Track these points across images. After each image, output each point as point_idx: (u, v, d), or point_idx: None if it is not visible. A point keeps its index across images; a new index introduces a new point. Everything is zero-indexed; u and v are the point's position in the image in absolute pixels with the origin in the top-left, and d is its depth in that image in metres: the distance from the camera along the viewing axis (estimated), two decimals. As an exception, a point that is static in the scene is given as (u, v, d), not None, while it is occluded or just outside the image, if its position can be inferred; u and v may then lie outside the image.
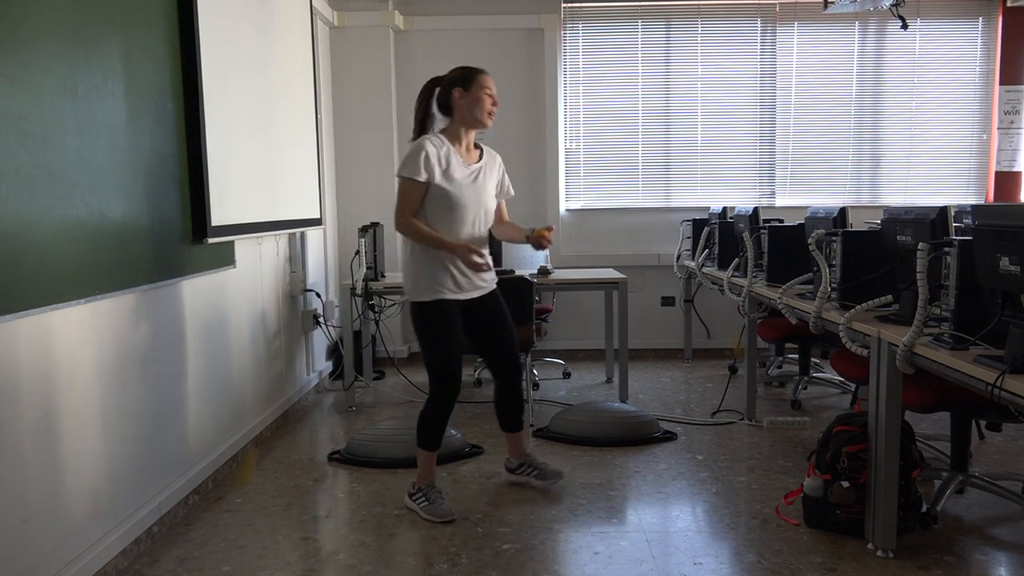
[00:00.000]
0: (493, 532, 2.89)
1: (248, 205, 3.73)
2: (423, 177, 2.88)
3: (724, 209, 5.09)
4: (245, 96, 3.73)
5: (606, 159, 6.02)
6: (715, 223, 4.96)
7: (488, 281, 3.12)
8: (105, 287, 2.57)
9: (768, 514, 3.00)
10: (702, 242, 5.12)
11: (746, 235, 4.14)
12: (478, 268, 2.90)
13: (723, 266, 4.71)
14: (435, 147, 2.93)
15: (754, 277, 3.94)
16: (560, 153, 5.96)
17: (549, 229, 3.06)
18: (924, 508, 2.82)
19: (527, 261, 5.58)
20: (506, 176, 3.21)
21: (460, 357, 3.03)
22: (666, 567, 2.60)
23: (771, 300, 3.58)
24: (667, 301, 6.10)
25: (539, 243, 3.04)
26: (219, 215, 3.37)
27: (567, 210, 6.05)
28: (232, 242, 3.65)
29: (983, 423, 3.74)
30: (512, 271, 4.69)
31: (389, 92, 5.74)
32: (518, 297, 4.19)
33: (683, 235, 5.73)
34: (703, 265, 5.08)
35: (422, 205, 2.94)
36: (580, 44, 5.94)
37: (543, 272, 4.72)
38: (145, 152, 2.85)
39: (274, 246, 4.38)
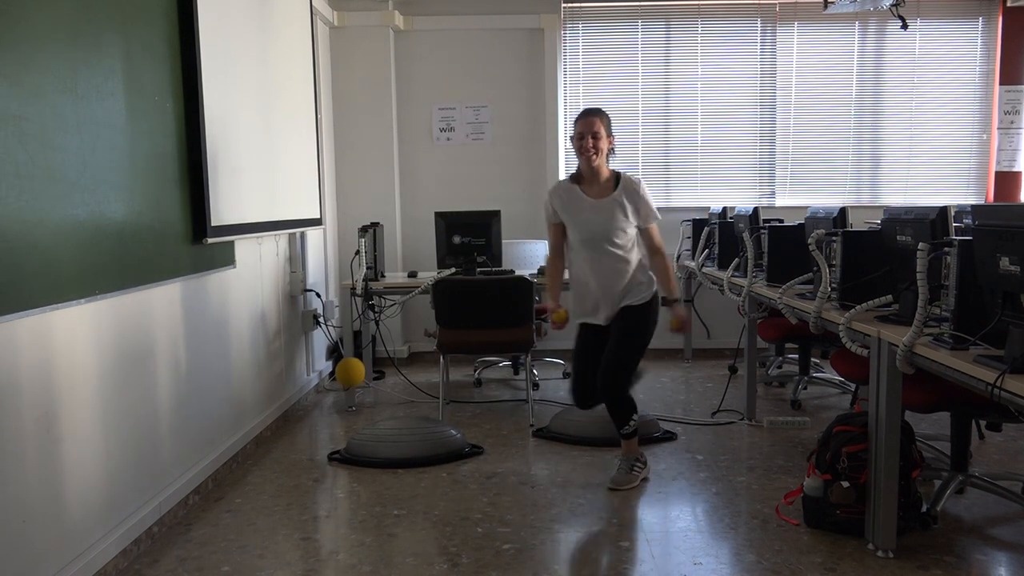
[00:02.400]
0: (493, 532, 2.89)
1: (248, 205, 3.73)
2: (547, 217, 3.40)
3: (724, 209, 5.09)
4: (245, 96, 3.73)
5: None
6: (715, 223, 4.96)
7: (603, 316, 3.33)
8: (105, 287, 2.57)
9: (768, 514, 3.00)
10: (702, 242, 5.11)
11: (746, 235, 4.13)
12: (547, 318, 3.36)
13: (723, 266, 4.71)
14: (554, 195, 3.35)
15: (754, 277, 3.94)
16: (560, 153, 5.95)
17: (679, 322, 3.32)
18: (924, 508, 2.82)
19: (527, 261, 5.58)
20: (644, 205, 3.27)
21: (584, 369, 3.35)
22: (666, 567, 2.60)
23: (771, 300, 3.58)
24: (667, 301, 6.09)
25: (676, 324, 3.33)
26: (219, 215, 3.37)
27: (567, 210, 6.04)
28: (232, 242, 3.65)
29: (983, 423, 3.74)
30: (512, 271, 4.70)
31: (389, 92, 5.74)
32: (518, 297, 4.19)
33: (683, 235, 5.73)
34: (703, 265, 5.08)
35: (568, 237, 3.35)
36: (580, 44, 5.94)
37: (543, 272, 4.72)
38: (145, 152, 2.85)
39: (274, 246, 4.38)
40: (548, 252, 3.46)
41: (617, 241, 3.25)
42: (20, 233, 2.14)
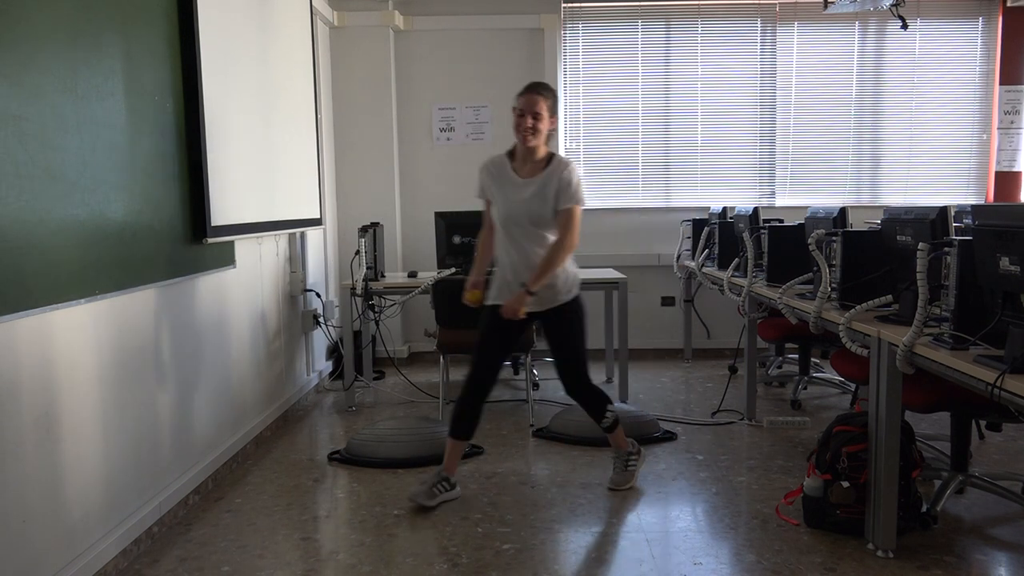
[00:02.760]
0: (493, 532, 2.89)
1: (248, 205, 3.73)
2: (479, 194, 3.22)
3: (724, 209, 5.09)
4: (245, 96, 3.73)
5: (606, 159, 6.02)
6: (715, 223, 4.96)
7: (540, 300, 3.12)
8: (105, 287, 2.57)
9: (768, 514, 3.00)
10: (702, 242, 5.12)
11: (746, 235, 4.13)
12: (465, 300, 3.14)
13: (723, 266, 4.71)
14: (486, 169, 3.18)
15: (754, 277, 3.94)
16: (560, 153, 5.94)
17: (509, 307, 3.08)
18: (924, 508, 2.82)
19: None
20: (563, 189, 3.03)
21: (484, 354, 3.18)
22: (666, 567, 2.60)
23: (771, 300, 3.58)
24: (667, 301, 6.10)
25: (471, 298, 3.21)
26: (219, 215, 3.37)
27: (567, 210, 6.04)
28: (232, 242, 3.65)
29: (983, 423, 3.74)
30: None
31: (389, 92, 5.74)
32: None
33: (683, 235, 5.73)
34: (703, 265, 5.08)
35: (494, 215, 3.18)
36: (580, 44, 5.94)
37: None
38: (145, 152, 2.85)
39: (274, 246, 4.38)
40: (480, 231, 3.29)
41: (537, 225, 3.06)
42: (20, 233, 2.14)
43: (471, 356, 3.19)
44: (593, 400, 3.26)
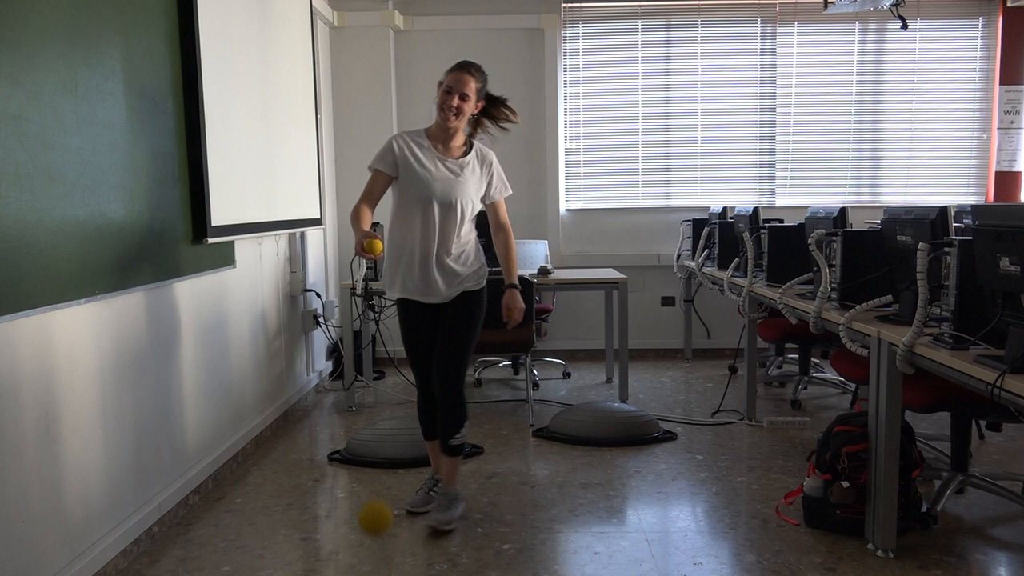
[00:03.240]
0: (493, 532, 2.89)
1: (248, 205, 3.73)
2: (384, 168, 2.89)
3: (724, 209, 5.09)
4: (245, 96, 3.73)
5: (606, 159, 6.02)
6: (715, 223, 4.96)
7: (442, 292, 2.93)
8: (105, 287, 2.57)
9: (768, 514, 3.00)
10: (702, 242, 5.12)
11: (746, 235, 4.13)
12: (359, 252, 2.65)
13: (723, 266, 4.71)
14: (403, 140, 2.91)
15: (754, 277, 3.94)
16: (560, 153, 5.95)
17: (514, 310, 3.01)
18: (924, 508, 2.82)
19: (527, 261, 5.58)
20: (496, 178, 3.01)
21: (427, 359, 3.00)
22: (666, 567, 2.60)
23: (771, 300, 3.58)
24: (667, 301, 6.10)
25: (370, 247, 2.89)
26: (219, 215, 3.37)
27: (567, 210, 6.05)
28: (232, 242, 3.65)
29: (983, 423, 3.74)
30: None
31: (389, 92, 5.74)
32: (518, 297, 4.19)
33: (683, 235, 5.73)
34: (703, 265, 5.08)
35: (395, 198, 2.94)
36: (580, 44, 5.94)
37: (543, 272, 4.72)
38: (145, 152, 2.85)
39: (274, 246, 4.38)
40: (360, 202, 2.87)
41: (464, 210, 2.90)
42: (20, 233, 2.14)
43: (410, 362, 3.03)
44: (459, 409, 2.93)
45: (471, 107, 2.87)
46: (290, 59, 4.42)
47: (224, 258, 3.57)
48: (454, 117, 2.84)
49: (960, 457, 3.04)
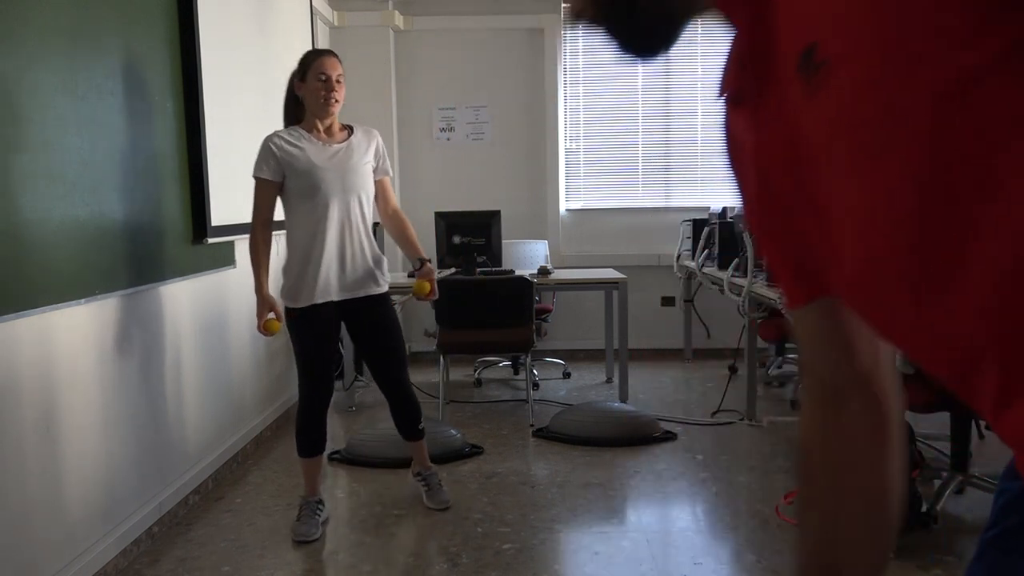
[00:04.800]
0: (493, 532, 2.89)
1: (248, 205, 3.72)
2: (267, 174, 2.74)
3: (724, 209, 5.09)
4: (245, 96, 3.73)
5: (606, 159, 6.02)
6: (715, 223, 4.96)
7: (355, 282, 2.86)
8: (105, 287, 2.57)
9: (768, 514, 3.00)
10: (702, 242, 5.11)
11: (746, 235, 4.13)
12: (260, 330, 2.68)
13: (723, 266, 4.71)
14: (281, 139, 2.77)
15: (754, 277, 3.94)
16: (560, 153, 5.95)
17: (430, 285, 2.93)
18: (924, 508, 2.82)
19: (527, 261, 5.59)
20: (385, 156, 2.95)
21: (327, 362, 2.93)
22: (666, 567, 2.60)
23: (771, 300, 3.58)
24: (667, 301, 6.10)
25: (418, 289, 2.91)
26: (219, 215, 3.37)
27: (567, 210, 6.05)
28: (232, 242, 3.65)
29: (983, 423, 3.74)
30: (512, 271, 4.70)
31: (389, 92, 5.74)
32: (518, 297, 4.20)
33: (683, 235, 5.73)
34: (703, 265, 5.08)
35: (288, 201, 2.80)
36: (580, 44, 5.94)
37: (543, 272, 4.72)
38: (145, 152, 2.85)
39: (274, 246, 4.37)
40: (257, 224, 2.78)
41: (362, 194, 2.82)
42: (20, 233, 2.14)
43: (308, 370, 2.85)
44: (414, 401, 3.04)
45: (343, 91, 2.80)
46: (290, 59, 4.41)
47: (224, 258, 3.57)
48: (336, 103, 2.77)
49: (960, 457, 3.03)
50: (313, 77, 2.75)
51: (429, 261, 2.99)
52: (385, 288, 2.94)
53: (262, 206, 2.79)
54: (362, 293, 2.87)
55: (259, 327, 2.74)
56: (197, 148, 3.22)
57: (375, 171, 2.92)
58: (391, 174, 3.02)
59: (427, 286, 2.88)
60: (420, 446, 3.15)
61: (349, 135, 2.89)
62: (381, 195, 2.97)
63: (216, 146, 3.36)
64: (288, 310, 2.83)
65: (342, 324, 2.96)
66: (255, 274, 2.78)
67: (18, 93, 2.14)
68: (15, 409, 2.16)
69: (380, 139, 2.96)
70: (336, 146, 2.82)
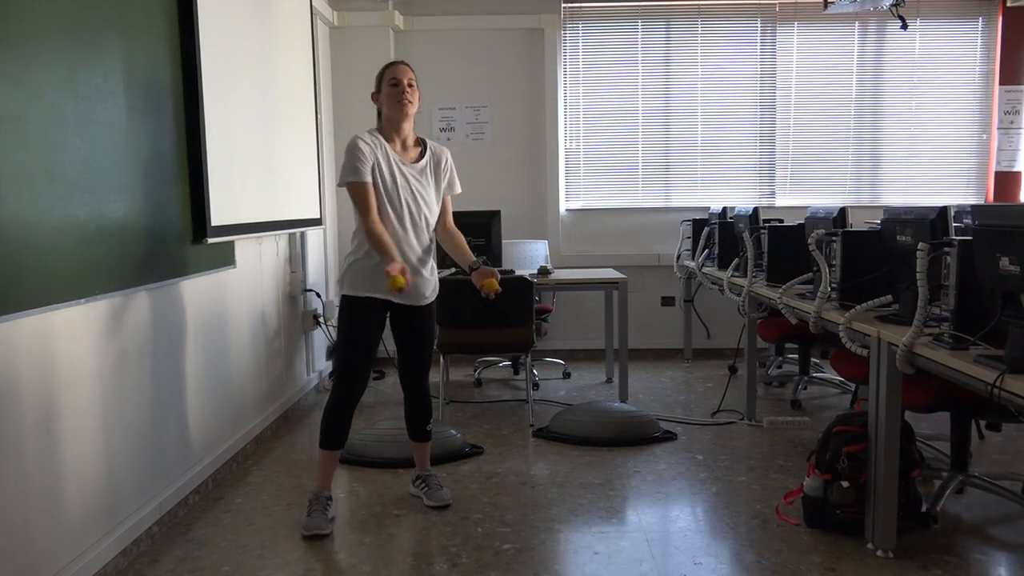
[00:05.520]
0: (493, 532, 2.89)
1: (248, 205, 3.73)
2: (367, 178, 2.83)
3: (724, 209, 5.09)
4: (245, 96, 3.73)
5: (606, 159, 6.02)
6: (715, 223, 4.96)
7: (416, 295, 2.98)
8: (105, 287, 2.57)
9: (768, 514, 3.00)
10: (702, 242, 5.12)
11: (746, 235, 4.13)
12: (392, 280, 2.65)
13: (723, 266, 4.71)
14: (368, 144, 2.87)
15: (754, 277, 3.94)
16: (560, 153, 5.95)
17: (497, 281, 2.97)
18: (924, 508, 2.82)
19: (527, 261, 5.59)
20: (454, 173, 3.07)
21: (370, 356, 2.97)
22: (666, 567, 2.60)
23: (771, 300, 3.58)
24: (667, 301, 6.10)
25: (481, 285, 2.96)
26: (219, 215, 3.37)
27: (567, 210, 6.05)
28: (232, 242, 3.65)
29: (983, 423, 3.74)
30: (512, 271, 4.69)
31: (389, 92, 5.73)
32: (518, 297, 4.19)
33: (683, 235, 5.73)
34: (703, 265, 5.08)
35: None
36: (580, 44, 5.94)
37: (543, 272, 4.72)
38: (145, 152, 2.85)
39: (274, 246, 4.38)
40: (370, 216, 2.82)
41: (430, 213, 2.97)
42: (20, 233, 2.14)
43: (350, 360, 2.90)
44: (428, 402, 3.19)
45: (418, 96, 2.94)
46: (290, 59, 4.42)
47: (224, 258, 3.57)
48: (409, 103, 2.88)
49: (960, 457, 3.04)
50: (386, 84, 2.90)
51: (479, 261, 3.05)
52: (434, 297, 3.08)
53: (367, 207, 2.83)
54: (416, 303, 3.01)
55: (392, 273, 2.62)
56: (197, 148, 3.22)
57: (444, 189, 3.05)
58: (458, 192, 3.11)
59: (495, 282, 2.96)
60: (424, 448, 3.23)
61: (422, 152, 2.99)
62: (442, 213, 3.08)
63: (216, 146, 3.36)
64: (346, 297, 2.92)
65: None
66: (387, 253, 2.74)
67: (18, 93, 2.14)
68: (15, 409, 2.16)
69: (450, 157, 3.08)
70: (415, 166, 2.94)
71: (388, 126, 2.95)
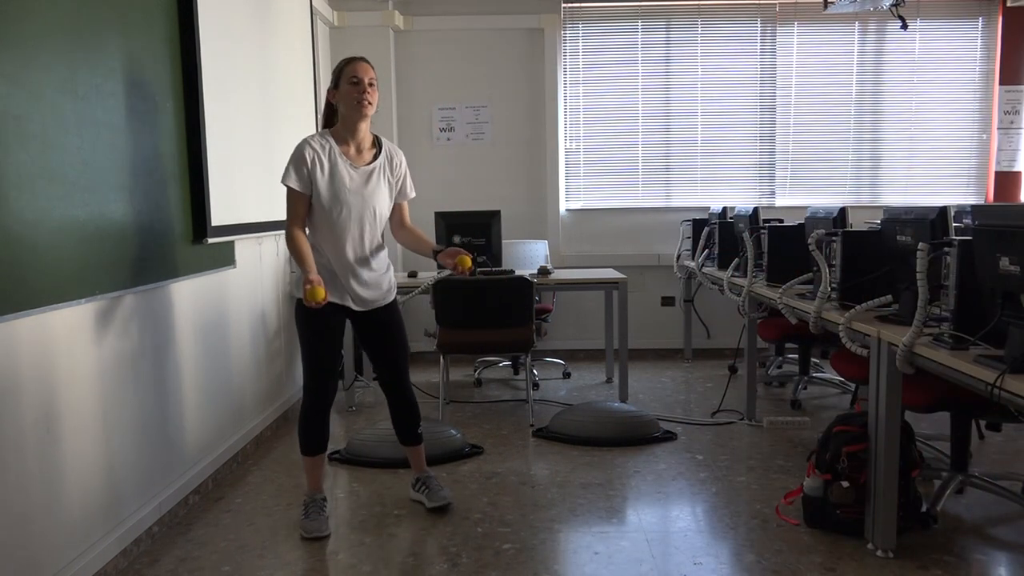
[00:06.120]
0: (493, 532, 2.89)
1: (248, 205, 3.73)
2: (296, 185, 2.76)
3: (724, 209, 5.09)
4: (245, 96, 3.74)
5: (606, 159, 6.02)
6: (715, 223, 4.96)
7: (371, 297, 2.93)
8: (105, 287, 2.57)
9: (768, 514, 3.00)
10: (702, 242, 5.12)
11: (746, 235, 4.13)
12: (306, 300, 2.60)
13: (723, 266, 4.71)
14: (313, 149, 2.78)
15: (754, 277, 3.94)
16: (560, 153, 5.96)
17: (469, 257, 2.88)
18: (924, 508, 2.82)
19: (527, 261, 5.59)
20: (408, 176, 3.00)
21: (335, 360, 2.94)
22: (666, 567, 2.60)
23: (771, 300, 3.58)
24: (667, 301, 6.10)
25: (455, 264, 2.87)
26: (219, 215, 3.37)
27: (567, 210, 6.05)
28: (232, 242, 3.65)
29: (983, 423, 3.74)
30: (512, 271, 4.70)
31: (389, 92, 5.73)
32: (518, 297, 4.19)
33: (683, 235, 5.73)
34: (703, 265, 5.08)
35: (313, 209, 2.81)
36: (580, 44, 5.94)
37: (543, 272, 4.72)
38: (145, 152, 2.85)
39: (274, 246, 4.38)
40: (291, 225, 2.77)
41: (381, 215, 2.89)
42: (20, 233, 2.14)
43: (313, 368, 2.86)
44: (414, 404, 3.10)
45: (377, 96, 2.82)
46: (290, 59, 4.42)
47: (224, 258, 3.57)
48: (369, 104, 2.77)
49: (960, 457, 3.04)
50: (346, 81, 2.77)
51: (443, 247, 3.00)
52: (393, 296, 3.03)
53: (293, 214, 2.79)
54: (373, 306, 2.95)
55: (304, 295, 2.61)
56: (197, 148, 3.22)
57: (396, 196, 2.98)
58: (411, 197, 3.03)
59: (467, 259, 2.86)
60: (418, 451, 3.18)
61: (376, 154, 2.89)
62: (397, 214, 3.04)
63: (216, 146, 3.36)
64: (300, 303, 2.80)
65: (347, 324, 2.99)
66: (303, 262, 2.71)
67: (18, 93, 2.14)
68: (15, 409, 2.16)
69: (404, 161, 3.00)
70: (363, 169, 2.84)
71: (343, 127, 2.82)
